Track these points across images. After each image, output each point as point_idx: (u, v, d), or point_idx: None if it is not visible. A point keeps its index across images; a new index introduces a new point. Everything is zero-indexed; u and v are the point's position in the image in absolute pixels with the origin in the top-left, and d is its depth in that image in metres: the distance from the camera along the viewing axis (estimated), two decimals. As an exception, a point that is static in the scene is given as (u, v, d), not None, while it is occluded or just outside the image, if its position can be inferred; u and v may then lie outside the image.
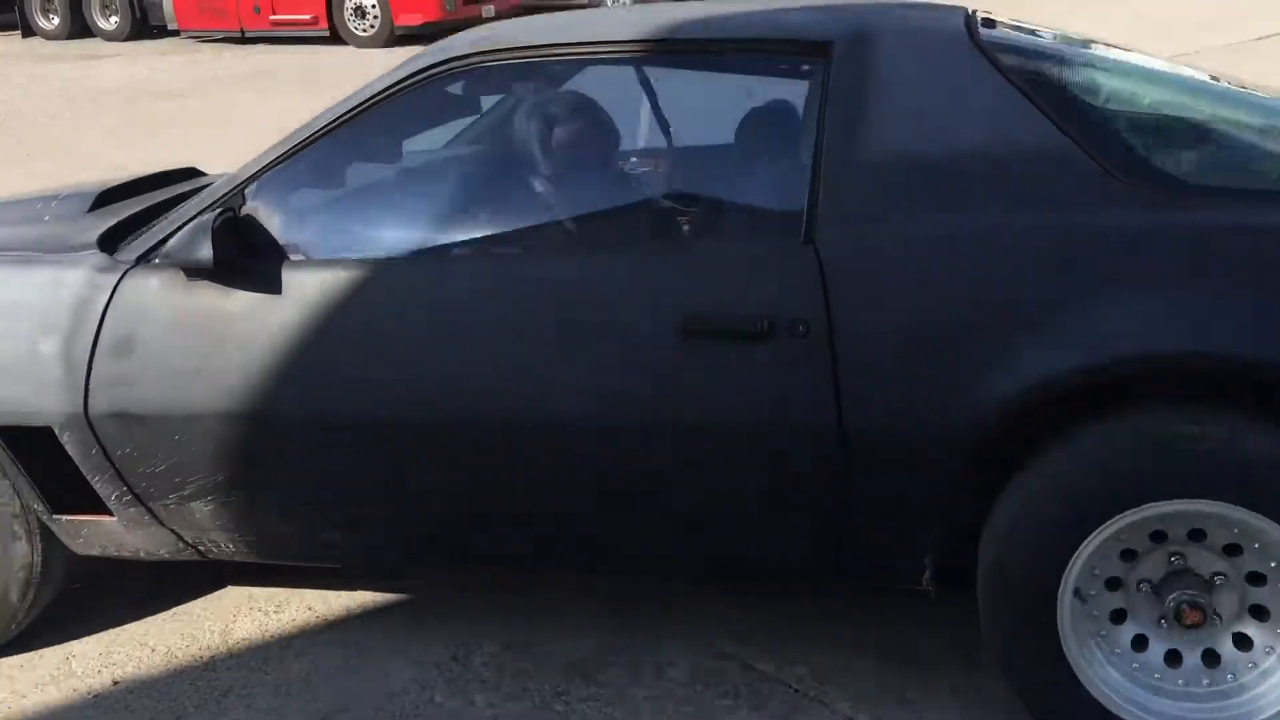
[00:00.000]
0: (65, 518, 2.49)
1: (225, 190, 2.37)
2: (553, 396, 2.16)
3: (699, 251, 2.27)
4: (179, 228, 2.33)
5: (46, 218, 2.74)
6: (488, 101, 2.79)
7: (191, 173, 3.18)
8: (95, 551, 2.56)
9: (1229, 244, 1.96)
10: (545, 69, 2.56)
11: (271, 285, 2.27)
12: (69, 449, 2.38)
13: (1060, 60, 2.50)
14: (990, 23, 2.46)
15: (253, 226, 2.32)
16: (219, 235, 2.21)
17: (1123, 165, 2.05)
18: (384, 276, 2.27)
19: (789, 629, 2.62)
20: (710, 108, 2.75)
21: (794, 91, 2.45)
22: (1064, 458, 1.99)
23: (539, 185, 2.52)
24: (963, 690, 2.41)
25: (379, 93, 2.34)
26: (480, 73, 2.42)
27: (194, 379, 2.29)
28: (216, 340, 2.28)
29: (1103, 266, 1.97)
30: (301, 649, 2.64)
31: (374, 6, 12.97)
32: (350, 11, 13.09)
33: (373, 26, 13.07)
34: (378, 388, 2.22)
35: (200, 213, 2.33)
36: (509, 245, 2.39)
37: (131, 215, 2.61)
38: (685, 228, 2.36)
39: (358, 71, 11.30)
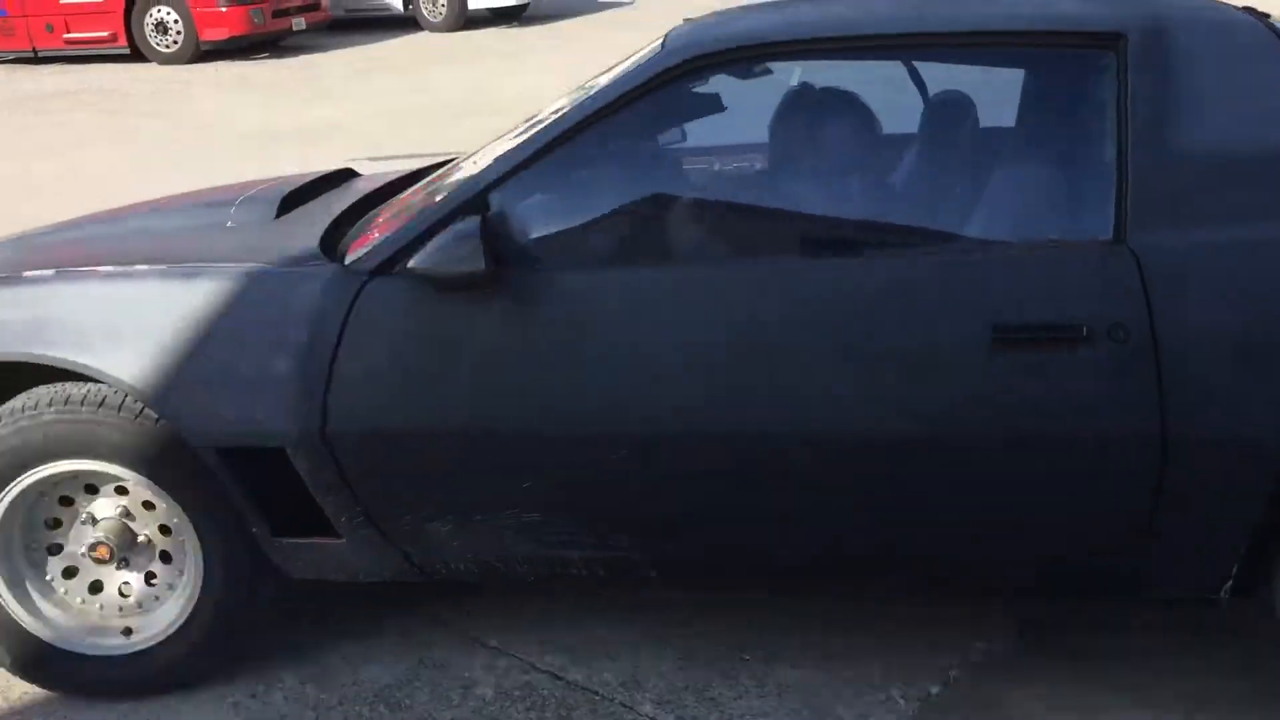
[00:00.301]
0: (287, 540, 2.35)
1: (465, 196, 2.20)
2: (846, 409, 2.06)
3: (1004, 253, 2.11)
4: (420, 236, 2.17)
5: (229, 224, 2.61)
6: (730, 99, 2.55)
7: (349, 173, 3.00)
8: (311, 575, 2.43)
9: None
10: (804, 63, 2.48)
11: (536, 294, 2.15)
12: (300, 469, 2.23)
13: None
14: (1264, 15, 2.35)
15: (504, 233, 2.17)
16: (487, 244, 2.08)
17: None
18: (662, 285, 2.15)
19: (597, 635, 2.64)
20: (987, 102, 2.52)
21: (1081, 85, 2.24)
22: None
23: (819, 187, 2.44)
24: (766, 682, 2.46)
25: (624, 94, 2.20)
26: (733, 69, 2.31)
27: (445, 393, 2.16)
28: (472, 353, 2.15)
29: None
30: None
31: (176, 22, 12.50)
32: (151, 27, 12.58)
33: (175, 42, 12.59)
34: (658, 401, 2.10)
35: (444, 219, 2.17)
36: (793, 250, 2.26)
37: (333, 221, 2.50)
38: (982, 228, 2.23)
39: (166, 90, 10.92)
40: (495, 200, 2.19)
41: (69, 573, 2.46)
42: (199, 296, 2.24)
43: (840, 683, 2.45)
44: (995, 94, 2.49)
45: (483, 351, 2.15)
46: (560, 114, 2.25)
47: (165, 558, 2.44)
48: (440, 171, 2.64)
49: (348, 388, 2.17)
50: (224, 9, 12.40)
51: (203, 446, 2.24)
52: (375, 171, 3.04)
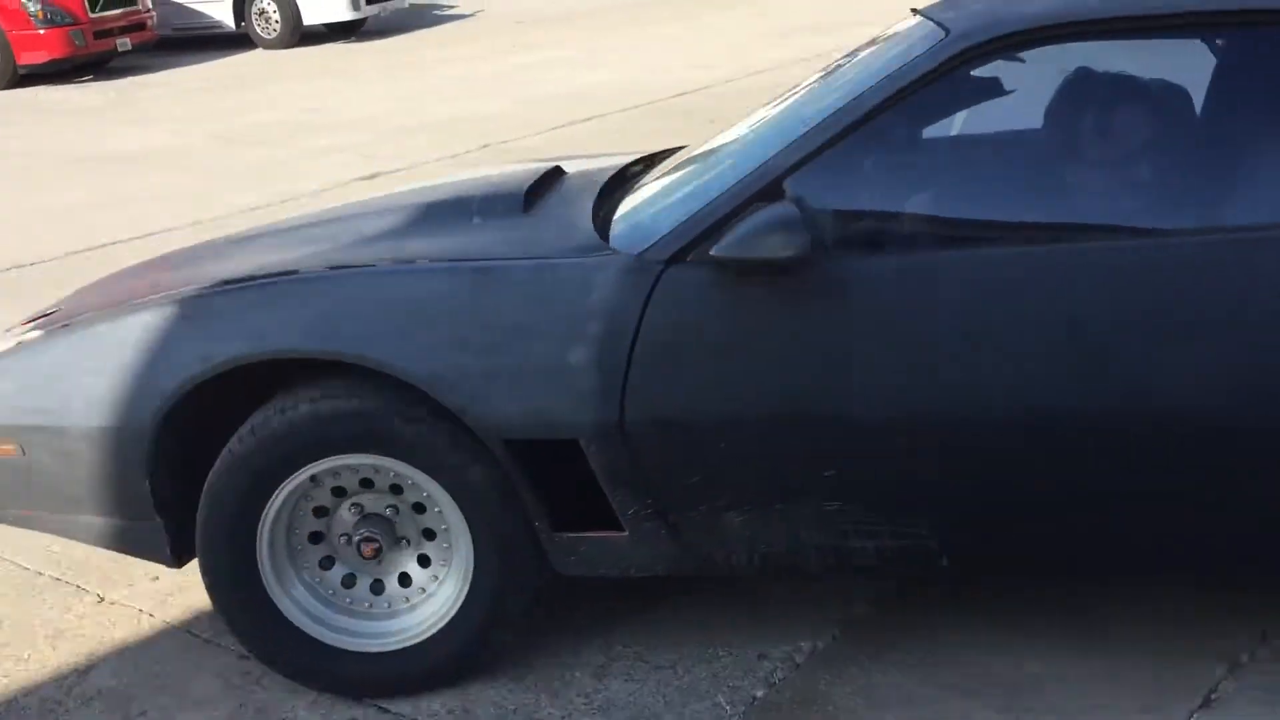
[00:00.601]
0: (568, 535, 2.31)
1: (760, 183, 2.19)
2: (1185, 392, 2.05)
3: None
4: (715, 224, 2.16)
5: (477, 220, 2.61)
6: (1011, 81, 2.46)
7: (559, 171, 2.96)
8: (582, 571, 2.37)
9: None
10: (1096, 43, 2.34)
11: (850, 279, 2.15)
12: (593, 461, 2.21)
13: None
14: None
15: (810, 219, 2.13)
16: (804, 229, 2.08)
17: None
18: (983, 266, 2.14)
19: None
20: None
21: None
22: None
23: (1133, 167, 2.37)
24: (595, 698, 2.46)
25: (920, 76, 2.19)
26: (1019, 52, 2.26)
27: (751, 380, 2.16)
28: (780, 338, 2.15)
29: None
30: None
31: (-10, 46, 11.94)
32: (-38, 51, 11.99)
33: (-10, 67, 12.02)
34: (987, 386, 2.10)
35: (740, 206, 2.17)
36: (1111, 232, 2.23)
37: (591, 213, 2.52)
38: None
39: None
40: (792, 186, 2.18)
41: (329, 566, 2.45)
42: (489, 290, 2.27)
43: (670, 691, 2.46)
44: None
45: (792, 336, 2.15)
46: (853, 97, 2.23)
47: (423, 561, 2.42)
48: (674, 160, 2.77)
49: (647, 378, 2.17)
50: (41, 31, 11.91)
51: (491, 439, 2.22)
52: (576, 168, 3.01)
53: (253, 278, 2.43)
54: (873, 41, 2.68)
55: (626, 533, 2.30)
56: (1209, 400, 2.05)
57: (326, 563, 2.44)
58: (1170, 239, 2.15)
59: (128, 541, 2.47)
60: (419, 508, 2.37)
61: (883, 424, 2.14)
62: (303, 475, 2.31)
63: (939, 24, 2.33)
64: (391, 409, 2.25)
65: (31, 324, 2.76)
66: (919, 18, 2.54)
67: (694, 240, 2.19)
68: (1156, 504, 2.17)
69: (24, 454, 2.42)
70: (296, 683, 2.48)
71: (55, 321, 2.62)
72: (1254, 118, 2.29)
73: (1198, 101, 2.40)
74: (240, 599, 2.39)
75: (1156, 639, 2.50)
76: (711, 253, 2.14)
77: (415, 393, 2.24)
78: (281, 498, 2.33)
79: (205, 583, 2.42)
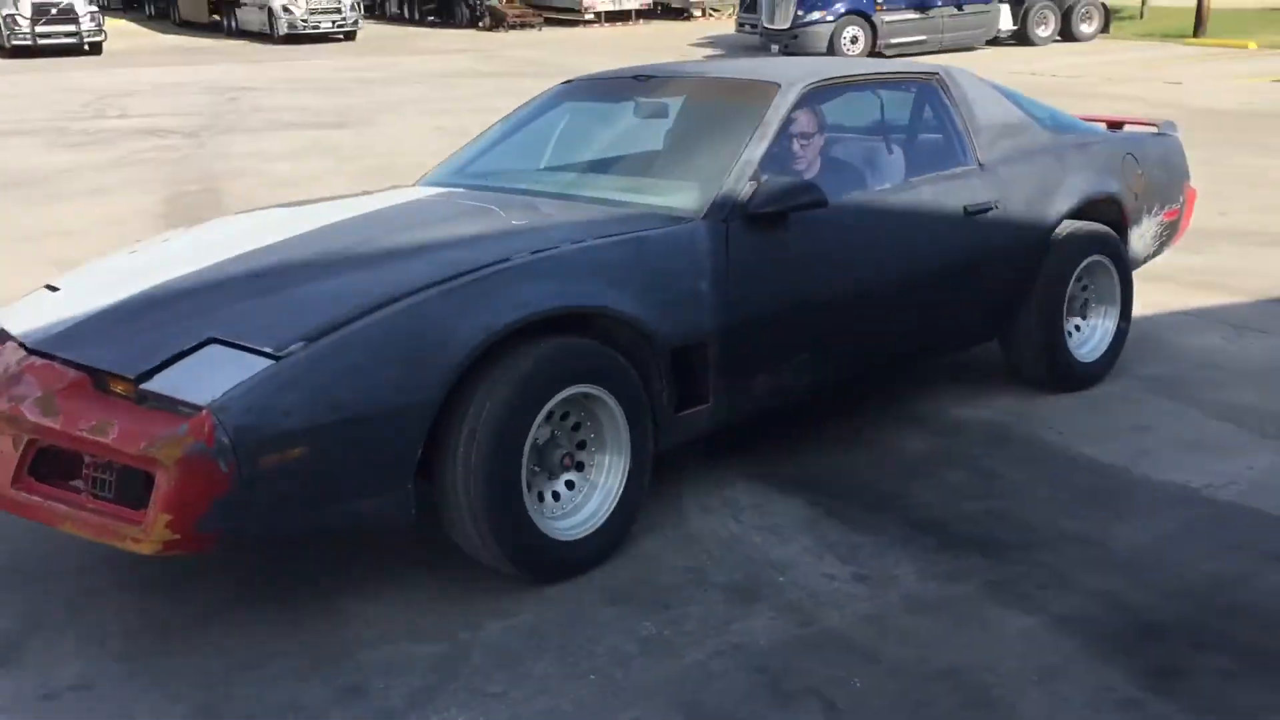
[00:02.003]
0: (682, 413, 3.31)
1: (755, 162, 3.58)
2: (901, 271, 3.83)
3: (967, 172, 4.17)
4: (756, 198, 3.43)
5: (547, 210, 3.59)
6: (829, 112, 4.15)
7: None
8: (677, 439, 3.35)
9: None
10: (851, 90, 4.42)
11: (803, 225, 3.50)
12: (710, 356, 3.30)
13: None
14: None
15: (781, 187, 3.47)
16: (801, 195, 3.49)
17: None
18: (844, 214, 3.68)
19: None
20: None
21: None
22: None
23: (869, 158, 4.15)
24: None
25: (786, 113, 3.79)
26: (822, 95, 4.06)
27: (774, 290, 3.48)
28: (799, 259, 3.54)
29: None
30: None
31: None
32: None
33: None
34: (860, 280, 3.69)
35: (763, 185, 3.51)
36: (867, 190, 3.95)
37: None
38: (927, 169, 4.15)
39: None
40: (764, 167, 3.53)
41: (552, 471, 3.09)
42: (658, 252, 3.25)
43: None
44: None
45: (804, 258, 3.53)
46: (763, 124, 3.73)
47: (579, 467, 3.13)
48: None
49: (734, 295, 3.33)
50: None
51: (663, 351, 3.18)
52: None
53: (483, 264, 2.94)
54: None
55: (710, 403, 3.35)
56: (909, 276, 3.83)
57: (547, 476, 3.06)
58: (884, 194, 3.89)
59: (379, 515, 2.75)
60: (587, 430, 3.12)
61: (846, 301, 3.64)
62: (545, 408, 2.92)
63: (767, 81, 3.86)
64: (601, 347, 3.05)
65: (49, 286, 3.32)
66: (724, 79, 4.31)
67: (736, 206, 3.42)
68: (902, 327, 3.93)
69: (312, 455, 2.59)
70: (532, 575, 3.00)
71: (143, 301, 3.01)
72: (902, 132, 4.28)
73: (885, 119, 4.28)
74: (499, 513, 2.82)
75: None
76: (748, 211, 3.38)
77: (615, 331, 3.10)
78: (534, 426, 2.89)
79: (452, 512, 2.85)
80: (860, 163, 4.05)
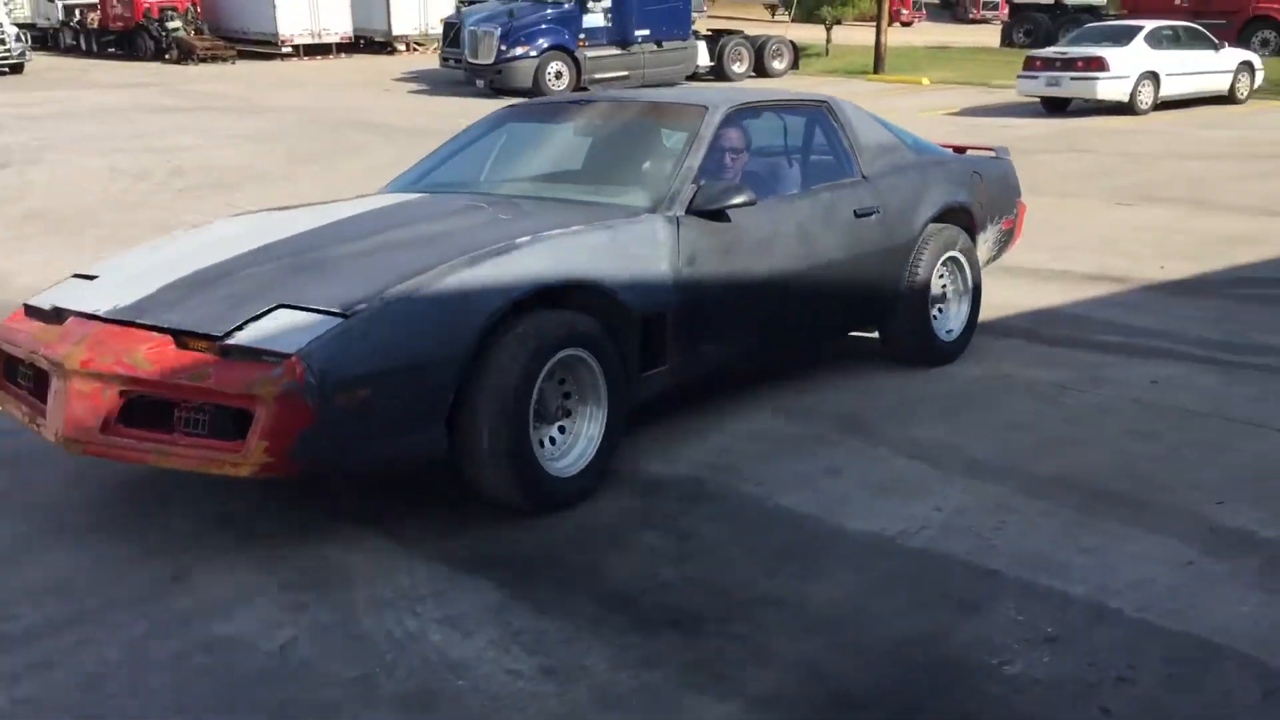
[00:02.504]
0: (646, 374, 3.97)
1: (690, 177, 4.26)
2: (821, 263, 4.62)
3: (854, 182, 4.95)
4: (695, 196, 4.17)
5: (509, 212, 4.27)
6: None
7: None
8: (642, 396, 4.02)
9: None
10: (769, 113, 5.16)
11: (740, 220, 4.25)
12: (669, 326, 4.00)
13: None
14: None
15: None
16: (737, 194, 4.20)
17: None
18: (768, 211, 4.38)
19: None
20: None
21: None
22: None
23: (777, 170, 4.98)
24: None
25: (715, 129, 4.51)
26: (744, 114, 4.85)
27: (718, 272, 4.18)
28: (737, 252, 4.27)
29: None
30: None
31: None
32: None
33: None
34: (784, 270, 4.45)
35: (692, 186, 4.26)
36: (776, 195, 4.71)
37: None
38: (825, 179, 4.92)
39: None
40: (703, 175, 4.25)
41: (547, 420, 3.68)
42: (627, 239, 3.88)
43: None
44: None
45: (738, 247, 4.22)
46: (695, 139, 4.40)
47: (567, 414, 3.74)
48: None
49: (686, 276, 4.01)
50: None
51: (635, 318, 3.83)
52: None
53: (498, 244, 3.56)
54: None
55: (667, 366, 4.02)
56: (816, 265, 4.57)
57: (544, 425, 3.65)
58: (792, 198, 4.64)
59: (420, 450, 3.35)
60: (570, 384, 3.72)
61: (769, 286, 4.36)
62: (546, 367, 3.51)
63: (693, 103, 4.66)
64: (587, 317, 3.67)
65: (76, 277, 3.88)
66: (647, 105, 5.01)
67: (683, 202, 4.14)
68: (814, 307, 4.69)
69: (376, 396, 3.17)
70: (536, 507, 3.55)
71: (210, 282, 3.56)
72: (803, 149, 5.05)
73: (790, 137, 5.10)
74: (514, 455, 3.40)
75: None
76: (690, 209, 4.09)
77: (598, 303, 3.72)
78: (538, 382, 3.47)
79: (470, 454, 3.39)
80: (773, 172, 4.86)
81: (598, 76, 21.04)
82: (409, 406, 3.26)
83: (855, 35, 29.75)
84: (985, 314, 5.63)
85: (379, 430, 3.21)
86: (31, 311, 3.73)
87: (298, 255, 3.70)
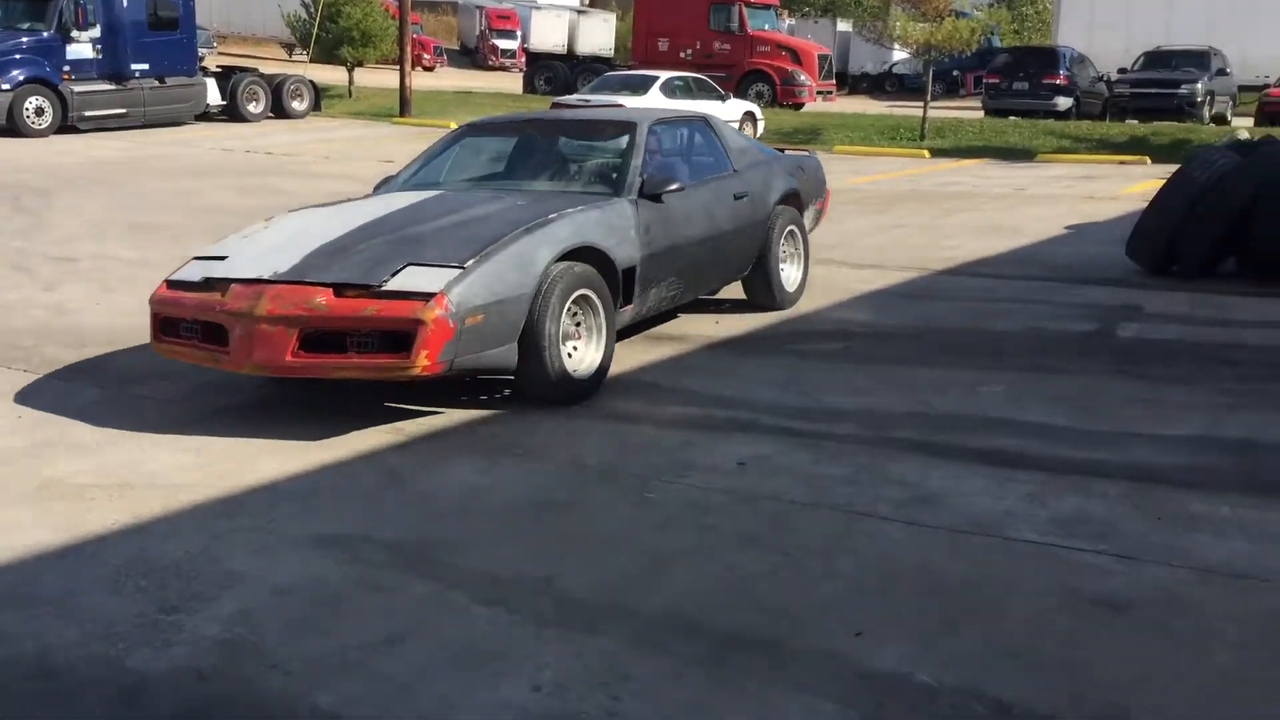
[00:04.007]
0: (620, 309, 5.61)
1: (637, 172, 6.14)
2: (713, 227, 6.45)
3: (730, 174, 6.94)
4: (644, 183, 5.94)
5: (521, 198, 6.05)
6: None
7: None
8: (619, 326, 5.67)
9: None
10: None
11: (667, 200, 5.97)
12: (637, 275, 5.63)
13: None
14: None
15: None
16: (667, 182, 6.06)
17: None
18: (686, 194, 6.22)
19: None
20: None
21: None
22: None
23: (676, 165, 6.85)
24: None
25: (648, 131, 6.44)
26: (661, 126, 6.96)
27: (660, 236, 5.84)
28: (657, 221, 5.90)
29: None
30: None
31: None
32: None
33: None
34: (694, 235, 6.23)
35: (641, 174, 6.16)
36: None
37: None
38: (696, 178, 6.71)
39: None
40: (646, 172, 6.01)
41: (566, 338, 5.17)
42: (609, 214, 5.56)
43: None
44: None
45: (662, 219, 5.88)
46: (637, 138, 6.30)
47: (577, 338, 5.28)
48: None
49: (645, 240, 5.70)
50: None
51: (618, 271, 5.45)
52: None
53: (537, 219, 5.21)
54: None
55: (632, 305, 5.69)
56: (715, 233, 6.37)
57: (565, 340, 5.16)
58: (697, 186, 6.36)
59: (502, 360, 4.88)
60: (580, 316, 5.29)
61: (693, 246, 6.12)
62: (569, 300, 5.09)
63: (626, 120, 6.50)
64: (592, 269, 5.26)
65: (210, 257, 5.22)
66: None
67: (639, 185, 5.86)
68: (714, 264, 6.46)
69: (485, 320, 4.71)
70: (565, 399, 5.09)
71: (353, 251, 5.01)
72: (697, 150, 6.88)
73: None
74: (554, 360, 5.00)
75: None
76: (642, 192, 5.81)
77: (597, 258, 5.32)
78: (565, 311, 5.07)
79: (532, 361, 4.93)
80: (679, 167, 6.46)
81: (89, 114, 18.64)
82: (499, 329, 4.77)
83: (379, 77, 28.87)
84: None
85: (483, 344, 4.71)
86: (175, 285, 5.05)
87: (393, 233, 5.16)
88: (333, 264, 4.82)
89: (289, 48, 36.18)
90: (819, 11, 45.94)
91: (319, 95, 23.58)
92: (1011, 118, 22.17)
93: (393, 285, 4.61)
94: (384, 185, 6.49)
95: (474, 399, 5.21)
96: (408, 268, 4.70)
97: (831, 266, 8.46)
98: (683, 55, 26.47)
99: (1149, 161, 16.96)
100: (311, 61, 26.33)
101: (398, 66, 23.62)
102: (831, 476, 4.31)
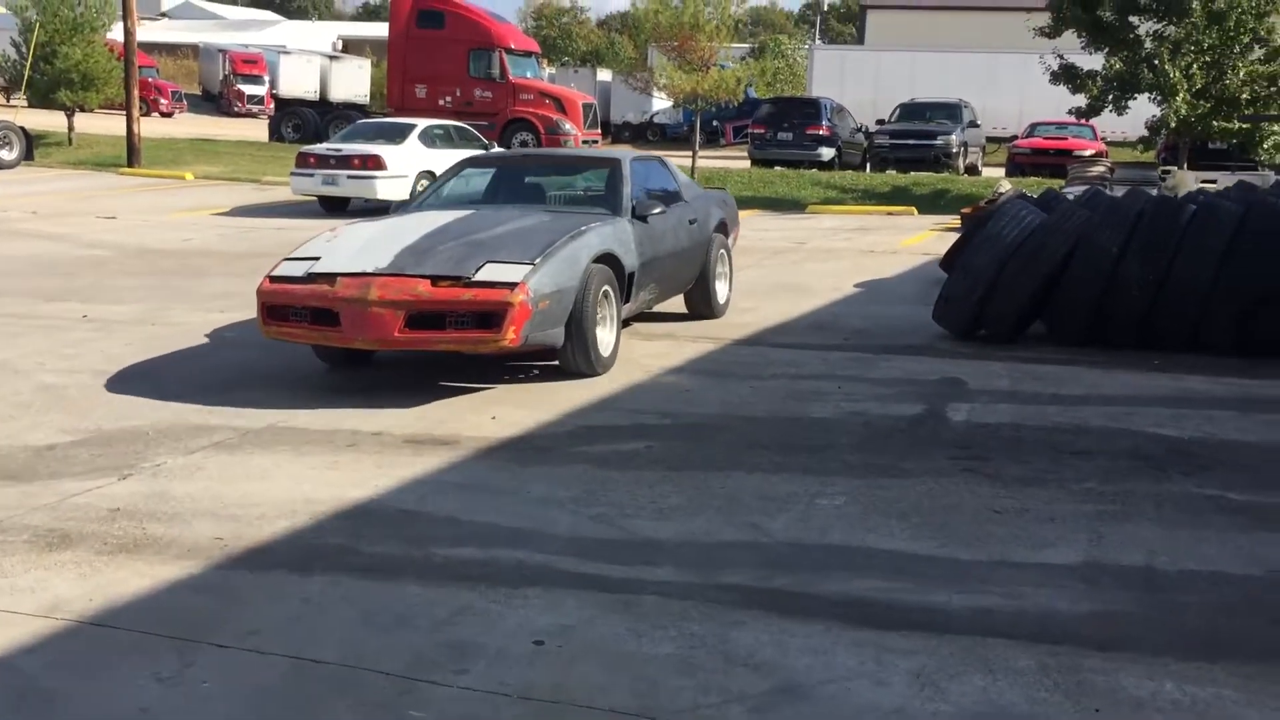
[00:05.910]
0: (624, 304, 6.92)
1: (625, 198, 7.64)
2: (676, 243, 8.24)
3: (675, 204, 8.47)
4: (631, 204, 7.46)
5: (546, 213, 7.63)
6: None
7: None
8: (622, 317, 7.03)
9: None
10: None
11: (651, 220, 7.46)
12: (630, 277, 6.94)
13: None
14: None
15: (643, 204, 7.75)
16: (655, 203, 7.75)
17: None
18: (665, 215, 7.71)
19: None
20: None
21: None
22: None
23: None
24: None
25: (630, 165, 8.19)
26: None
27: (646, 248, 7.31)
28: (643, 235, 7.38)
29: None
30: None
31: None
32: None
33: None
34: (670, 245, 7.88)
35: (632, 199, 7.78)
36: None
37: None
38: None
39: None
40: (636, 195, 7.61)
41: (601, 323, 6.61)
42: (615, 229, 6.96)
43: None
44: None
45: (649, 234, 7.39)
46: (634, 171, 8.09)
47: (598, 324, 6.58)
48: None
49: (638, 250, 7.13)
50: None
51: (625, 273, 6.89)
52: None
53: (576, 228, 6.63)
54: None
55: (630, 301, 7.08)
56: (678, 250, 7.86)
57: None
58: (663, 212, 7.64)
59: (555, 339, 6.17)
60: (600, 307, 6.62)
61: (663, 258, 7.55)
62: (598, 294, 6.46)
63: (611, 156, 8.57)
64: (610, 270, 6.70)
65: (303, 258, 6.39)
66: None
67: (630, 207, 7.37)
68: (677, 274, 7.96)
69: (549, 305, 6.01)
70: (595, 371, 6.53)
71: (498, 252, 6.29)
72: (657, 183, 8.24)
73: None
74: (592, 340, 6.40)
75: None
76: (634, 214, 7.28)
77: (613, 262, 6.74)
78: (593, 298, 6.42)
79: (574, 342, 6.32)
80: (655, 195, 7.75)
81: None
82: (556, 313, 6.13)
83: (105, 124, 26.33)
84: (292, 521, 3.66)
85: (546, 325, 6.07)
86: (278, 280, 6.21)
87: (459, 239, 6.43)
88: (422, 261, 6.10)
89: (5, 91, 32.85)
90: (578, 61, 45.67)
91: (32, 143, 21.09)
92: (777, 168, 22.08)
93: (481, 276, 5.95)
94: (401, 208, 8.02)
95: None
96: (488, 264, 6.03)
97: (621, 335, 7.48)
98: (442, 103, 25.18)
99: (915, 212, 16.95)
100: (29, 106, 23.65)
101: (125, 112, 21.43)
102: (660, 660, 3.23)
